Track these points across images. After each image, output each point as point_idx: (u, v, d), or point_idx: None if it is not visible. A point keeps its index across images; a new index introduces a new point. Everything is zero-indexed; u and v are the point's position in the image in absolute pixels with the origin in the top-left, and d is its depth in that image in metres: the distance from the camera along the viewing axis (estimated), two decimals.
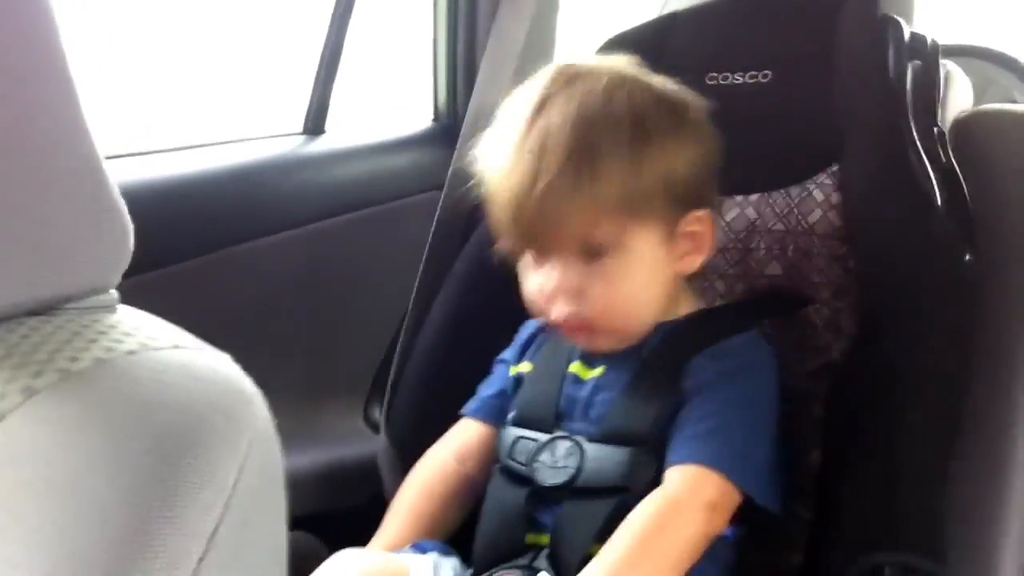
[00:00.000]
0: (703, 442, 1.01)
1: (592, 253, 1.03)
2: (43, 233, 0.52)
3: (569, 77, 1.05)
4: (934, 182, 1.12)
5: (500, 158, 1.04)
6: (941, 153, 1.15)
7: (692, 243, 1.09)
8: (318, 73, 1.74)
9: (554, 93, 1.04)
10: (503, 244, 1.09)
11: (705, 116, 1.09)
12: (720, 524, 1.00)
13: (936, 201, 1.11)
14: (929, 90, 1.19)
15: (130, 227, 0.57)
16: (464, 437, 1.22)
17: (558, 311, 1.06)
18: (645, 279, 1.06)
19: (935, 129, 1.16)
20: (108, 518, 0.45)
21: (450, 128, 1.87)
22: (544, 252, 1.05)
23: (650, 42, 1.32)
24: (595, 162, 1.00)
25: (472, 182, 1.11)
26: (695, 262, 1.10)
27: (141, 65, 2.33)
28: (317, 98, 1.76)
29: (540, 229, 1.02)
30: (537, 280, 1.07)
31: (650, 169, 1.02)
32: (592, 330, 1.07)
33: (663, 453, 1.03)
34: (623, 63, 1.10)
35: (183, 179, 1.52)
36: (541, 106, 1.03)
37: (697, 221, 1.08)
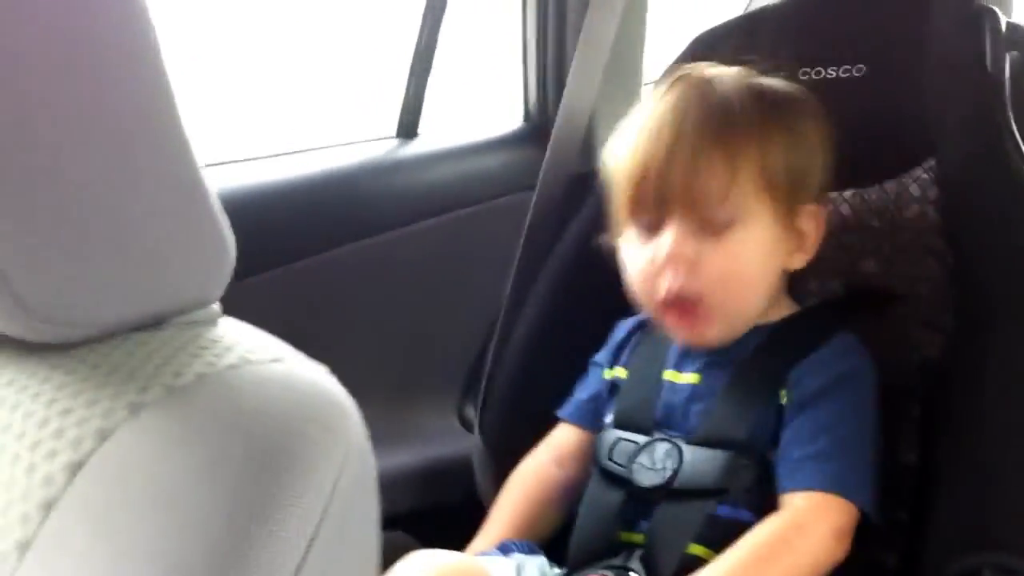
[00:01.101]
0: (823, 465, 1.00)
1: (713, 226, 1.04)
2: (147, 249, 0.53)
3: (694, 81, 1.11)
4: None
5: (632, 138, 1.09)
6: None
7: (801, 240, 1.10)
8: (410, 76, 1.76)
9: (683, 92, 1.09)
10: (619, 217, 1.11)
11: (819, 112, 1.12)
12: (844, 551, 0.99)
13: None
14: None
15: (231, 240, 0.58)
16: (561, 441, 1.23)
17: (668, 282, 1.05)
18: (759, 263, 1.07)
19: None
20: (209, 530, 0.47)
21: (541, 128, 1.87)
22: (666, 219, 1.06)
23: (739, 38, 1.31)
24: (730, 140, 1.04)
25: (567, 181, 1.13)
26: (802, 259, 1.11)
27: (239, 71, 2.37)
28: (410, 101, 1.77)
29: (670, 193, 1.04)
30: (648, 251, 1.07)
31: (776, 155, 1.06)
32: (697, 313, 1.06)
33: (761, 457, 1.04)
34: (738, 70, 1.14)
35: (279, 185, 1.55)
36: (673, 101, 1.08)
37: (810, 216, 1.10)
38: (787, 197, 1.07)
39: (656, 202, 1.06)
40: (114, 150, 0.51)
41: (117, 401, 0.50)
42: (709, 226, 1.04)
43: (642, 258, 1.08)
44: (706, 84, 1.10)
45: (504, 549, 1.11)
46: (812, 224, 1.11)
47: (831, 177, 1.13)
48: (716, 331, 1.08)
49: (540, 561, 1.09)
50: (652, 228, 1.07)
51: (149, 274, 0.54)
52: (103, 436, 0.49)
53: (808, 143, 1.10)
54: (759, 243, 1.06)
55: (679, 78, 1.12)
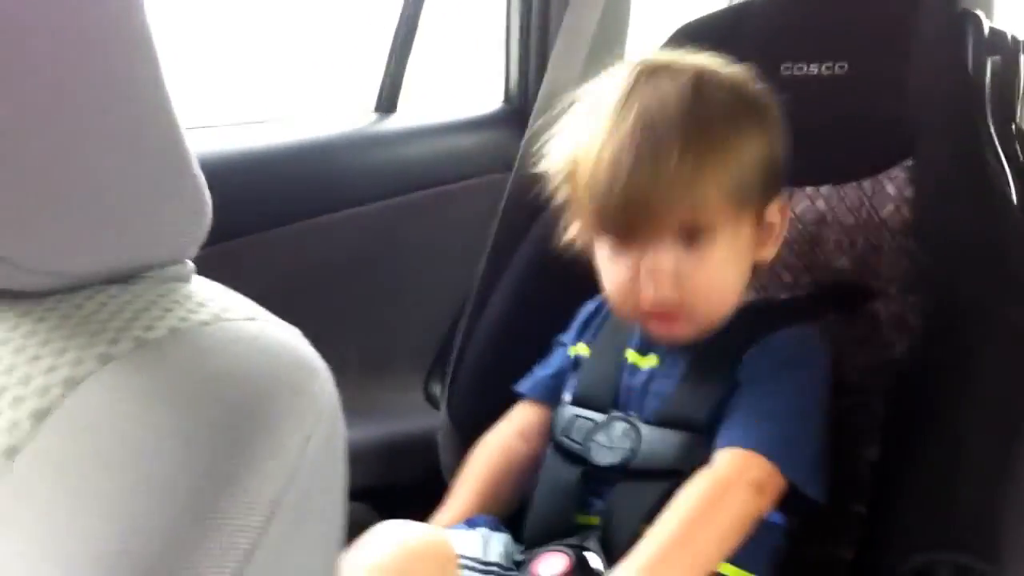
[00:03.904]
0: (750, 428, 1.01)
1: (692, 237, 1.02)
2: (124, 203, 0.53)
3: (652, 70, 1.05)
4: (1010, 179, 1.10)
5: (595, 143, 1.03)
6: (1019, 151, 1.13)
7: (769, 231, 1.09)
8: (392, 52, 1.76)
9: (642, 84, 1.04)
10: (586, 228, 1.08)
11: (776, 106, 1.08)
12: (765, 505, 1.00)
13: (1011, 199, 1.10)
14: (1008, 86, 1.17)
15: (208, 199, 0.58)
16: (525, 416, 1.23)
17: (649, 295, 1.04)
18: (735, 266, 1.07)
19: (1013, 126, 1.14)
20: (175, 488, 0.46)
21: (520, 110, 1.87)
22: (641, 236, 1.03)
23: (723, 30, 1.31)
24: (704, 148, 1.00)
25: (543, 167, 1.10)
26: (772, 250, 1.11)
27: (222, 39, 2.36)
28: (390, 77, 1.77)
29: (645, 212, 1.01)
30: (626, 264, 1.05)
31: (750, 156, 1.03)
32: (677, 317, 1.05)
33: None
34: (701, 58, 1.09)
35: (257, 152, 1.54)
36: (632, 95, 1.03)
37: (779, 209, 1.09)
38: (760, 196, 1.06)
39: (627, 217, 1.02)
40: (92, 107, 0.50)
41: (87, 351, 0.49)
42: (685, 237, 1.02)
43: (617, 270, 1.06)
44: (664, 85, 1.03)
45: (471, 524, 1.11)
46: (779, 216, 1.10)
47: (797, 171, 1.12)
48: (694, 331, 1.08)
49: (505, 538, 1.09)
50: (624, 239, 1.05)
51: (124, 228, 0.54)
52: (71, 385, 0.48)
53: (776, 139, 1.07)
54: (735, 248, 1.05)
55: (642, 69, 1.06)
